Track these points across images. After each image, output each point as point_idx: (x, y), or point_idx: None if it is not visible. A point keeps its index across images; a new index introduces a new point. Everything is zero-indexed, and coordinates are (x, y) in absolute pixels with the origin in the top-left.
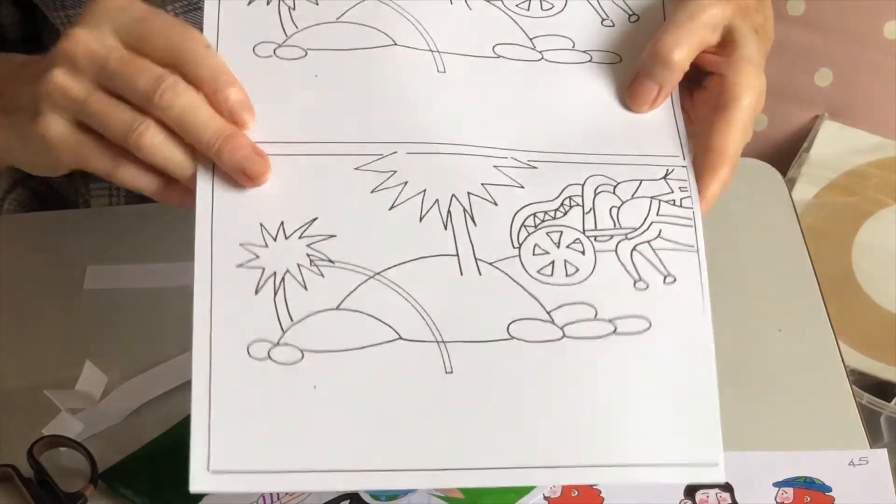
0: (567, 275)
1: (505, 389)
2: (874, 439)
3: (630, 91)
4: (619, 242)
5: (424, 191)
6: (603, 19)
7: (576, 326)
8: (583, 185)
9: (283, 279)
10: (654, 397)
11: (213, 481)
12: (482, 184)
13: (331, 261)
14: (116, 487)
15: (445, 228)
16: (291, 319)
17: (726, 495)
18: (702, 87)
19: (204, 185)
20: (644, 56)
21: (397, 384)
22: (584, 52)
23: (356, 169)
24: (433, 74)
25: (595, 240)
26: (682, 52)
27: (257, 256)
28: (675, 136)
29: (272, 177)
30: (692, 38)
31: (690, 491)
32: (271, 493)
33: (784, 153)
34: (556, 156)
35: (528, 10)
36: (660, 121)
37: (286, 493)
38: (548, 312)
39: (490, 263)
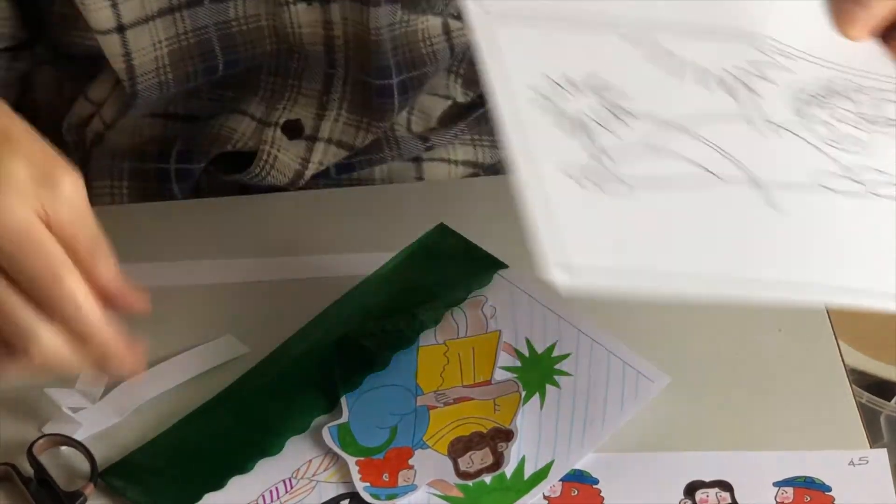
0: (854, 145)
1: (823, 227)
2: (874, 438)
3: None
4: None
5: (706, 69)
6: None
7: (878, 187)
8: (846, 87)
9: (587, 124)
10: None
11: (573, 278)
12: (751, 61)
13: (631, 112)
14: (116, 486)
15: (730, 96)
16: (613, 161)
17: (726, 495)
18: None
19: (485, 36)
20: None
21: (726, 217)
22: None
23: (624, 39)
24: None
25: (872, 123)
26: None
27: (555, 102)
28: None
29: (551, 38)
30: None
31: (690, 490)
32: (271, 492)
33: None
34: (818, 60)
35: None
36: None
37: (286, 493)
38: (846, 169)
39: (779, 126)
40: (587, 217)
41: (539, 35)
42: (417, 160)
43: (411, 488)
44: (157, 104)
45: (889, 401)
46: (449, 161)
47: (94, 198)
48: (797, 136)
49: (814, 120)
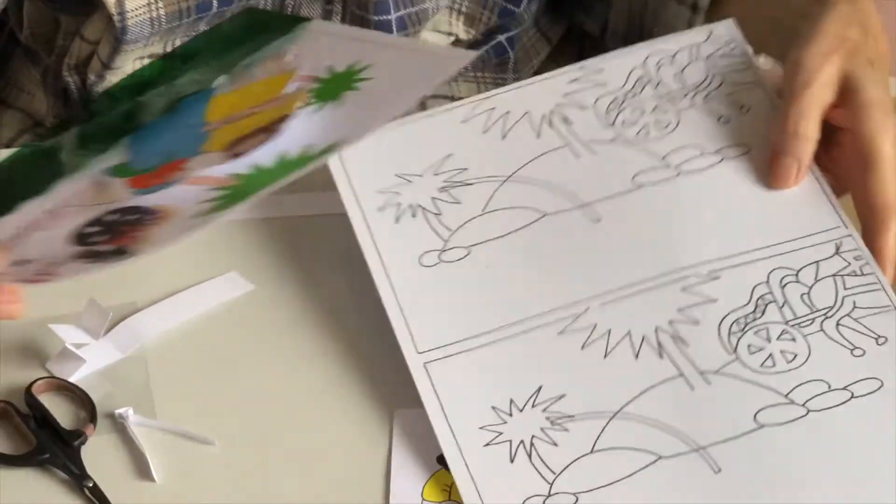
0: (788, 362)
1: (771, 472)
2: None
3: (772, 173)
4: (822, 322)
5: (629, 332)
6: (719, 117)
7: (817, 400)
8: (768, 282)
9: (532, 443)
10: None
11: None
12: (678, 309)
13: (570, 416)
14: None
15: (661, 357)
16: (554, 473)
17: None
18: (836, 144)
19: (425, 386)
20: (775, 136)
21: (672, 495)
22: (714, 152)
23: (559, 334)
24: (590, 226)
25: (800, 326)
26: (810, 123)
27: (501, 433)
28: (830, 208)
29: (491, 361)
30: (814, 105)
31: None
32: None
33: None
34: (731, 260)
35: (648, 135)
36: (811, 198)
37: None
38: (786, 396)
39: (715, 372)
40: None
41: (478, 360)
42: None
43: (173, 183)
44: (156, 43)
45: None
46: (452, 98)
47: None
48: (730, 376)
49: (745, 350)
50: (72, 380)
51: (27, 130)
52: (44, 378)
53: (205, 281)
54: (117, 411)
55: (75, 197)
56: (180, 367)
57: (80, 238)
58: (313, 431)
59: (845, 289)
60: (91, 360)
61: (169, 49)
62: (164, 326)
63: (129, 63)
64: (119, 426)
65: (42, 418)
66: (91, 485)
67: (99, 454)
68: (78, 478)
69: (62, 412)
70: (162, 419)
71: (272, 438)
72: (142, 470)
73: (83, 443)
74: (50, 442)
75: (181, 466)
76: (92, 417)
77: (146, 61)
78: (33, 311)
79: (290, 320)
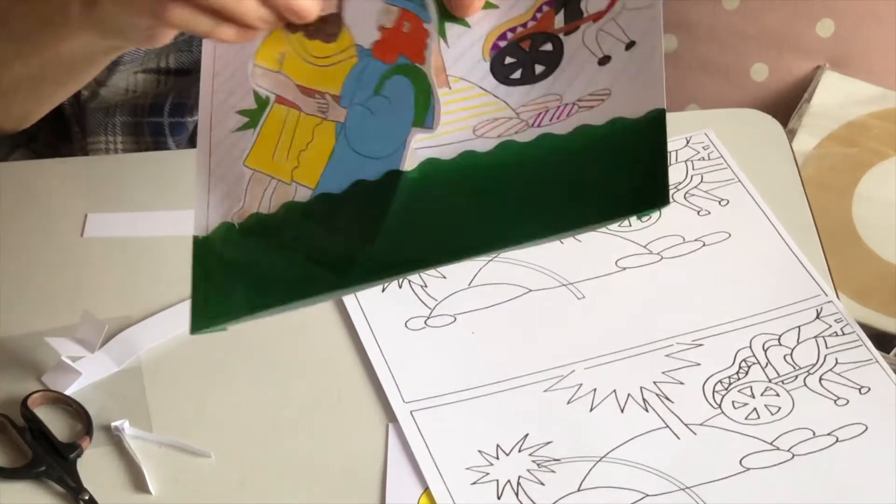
0: (772, 414)
1: None
2: None
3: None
4: (805, 378)
5: (615, 391)
6: (698, 211)
7: (801, 446)
8: (750, 347)
9: (518, 483)
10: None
11: None
12: (663, 372)
13: (556, 459)
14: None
15: (647, 411)
16: None
17: None
18: None
19: (411, 430)
20: None
21: None
22: (696, 240)
23: (545, 391)
24: (574, 301)
25: (783, 383)
26: None
27: (487, 473)
28: (810, 279)
29: (477, 412)
30: None
31: None
32: None
33: (785, 104)
34: (713, 329)
35: (630, 226)
36: (791, 271)
37: None
38: (771, 443)
39: (700, 424)
40: None
41: (464, 411)
42: None
43: None
44: (149, 60)
45: (888, 352)
46: None
47: (91, 153)
48: (715, 427)
49: (730, 405)
50: (68, 392)
51: (22, 146)
52: (40, 391)
53: None
54: (113, 424)
55: None
56: (176, 380)
57: None
58: (309, 443)
59: (827, 348)
60: (87, 373)
61: (163, 65)
62: (159, 339)
63: (123, 80)
64: (115, 439)
65: (38, 431)
66: (87, 497)
67: (95, 467)
68: (74, 490)
69: (58, 425)
70: (158, 431)
71: (268, 450)
72: (138, 482)
73: (79, 455)
74: (46, 454)
75: (177, 478)
76: (88, 430)
77: (140, 76)
78: (29, 324)
79: (286, 332)
